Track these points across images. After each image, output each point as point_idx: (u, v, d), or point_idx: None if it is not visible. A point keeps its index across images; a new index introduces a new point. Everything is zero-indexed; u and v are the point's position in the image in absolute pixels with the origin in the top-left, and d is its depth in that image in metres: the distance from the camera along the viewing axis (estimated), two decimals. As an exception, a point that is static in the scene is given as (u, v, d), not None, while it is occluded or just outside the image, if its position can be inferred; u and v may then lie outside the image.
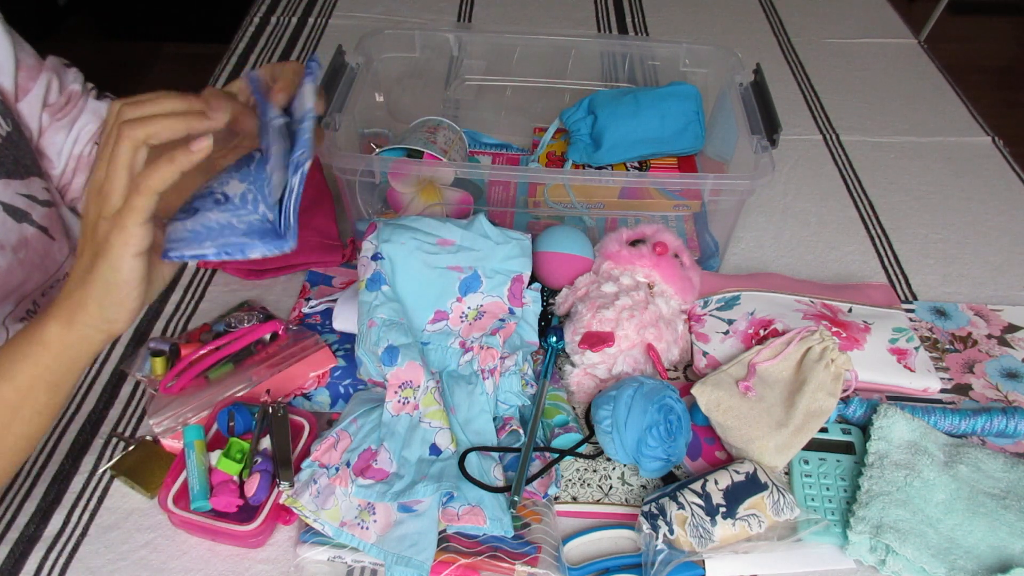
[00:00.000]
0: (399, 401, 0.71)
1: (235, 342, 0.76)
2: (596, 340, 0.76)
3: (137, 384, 0.80)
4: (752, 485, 0.66)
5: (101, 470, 0.72)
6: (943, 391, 0.81)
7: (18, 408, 0.58)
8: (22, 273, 0.77)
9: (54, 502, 0.70)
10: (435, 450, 0.70)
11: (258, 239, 0.56)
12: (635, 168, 1.02)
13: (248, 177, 0.59)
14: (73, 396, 0.78)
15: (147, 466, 0.71)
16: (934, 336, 0.87)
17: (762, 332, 0.81)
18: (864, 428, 0.74)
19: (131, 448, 0.73)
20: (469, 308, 0.79)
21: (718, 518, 0.64)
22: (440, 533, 0.65)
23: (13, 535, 0.68)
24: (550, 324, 0.83)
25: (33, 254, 0.78)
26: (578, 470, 0.73)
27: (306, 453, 0.69)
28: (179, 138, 0.53)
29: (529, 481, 0.68)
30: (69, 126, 0.82)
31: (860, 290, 0.90)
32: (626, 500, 0.71)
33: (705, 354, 0.81)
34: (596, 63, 1.12)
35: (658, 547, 0.64)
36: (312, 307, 0.85)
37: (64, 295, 0.56)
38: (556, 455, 0.71)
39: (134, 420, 0.77)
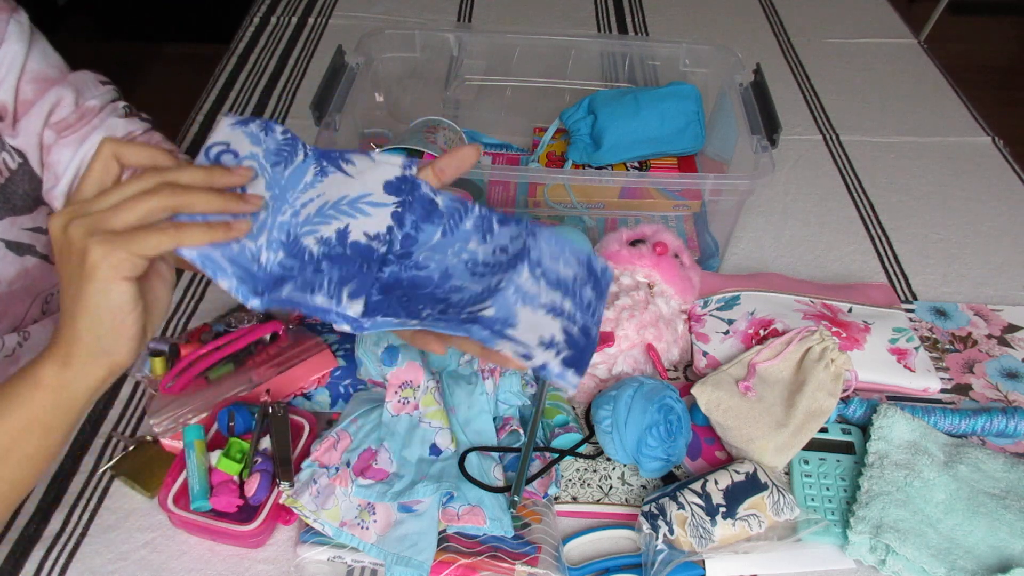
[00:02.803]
0: (399, 401, 0.71)
1: (235, 342, 0.75)
2: (596, 340, 0.76)
3: (137, 384, 0.80)
4: (752, 485, 0.66)
5: (101, 470, 0.72)
6: (943, 391, 0.81)
7: (6, 453, 0.54)
8: (15, 300, 0.77)
9: (54, 502, 0.70)
10: (435, 450, 0.70)
11: (237, 276, 0.51)
12: (635, 168, 1.02)
13: (275, 204, 0.54)
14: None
15: (147, 466, 0.71)
16: (934, 336, 0.87)
17: (762, 332, 0.81)
18: (864, 428, 0.74)
19: (131, 448, 0.73)
20: (469, 308, 0.79)
21: (718, 518, 0.64)
22: (440, 533, 0.65)
23: (13, 535, 0.68)
24: (550, 324, 0.83)
25: (31, 281, 0.78)
26: (578, 470, 0.73)
27: (306, 453, 0.69)
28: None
29: (529, 481, 0.68)
30: (78, 143, 0.75)
31: (860, 290, 0.90)
32: (626, 500, 0.71)
33: (705, 354, 0.81)
34: (596, 63, 1.12)
35: (658, 547, 0.64)
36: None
37: (56, 334, 0.52)
38: (556, 455, 0.71)
39: (134, 420, 0.77)
